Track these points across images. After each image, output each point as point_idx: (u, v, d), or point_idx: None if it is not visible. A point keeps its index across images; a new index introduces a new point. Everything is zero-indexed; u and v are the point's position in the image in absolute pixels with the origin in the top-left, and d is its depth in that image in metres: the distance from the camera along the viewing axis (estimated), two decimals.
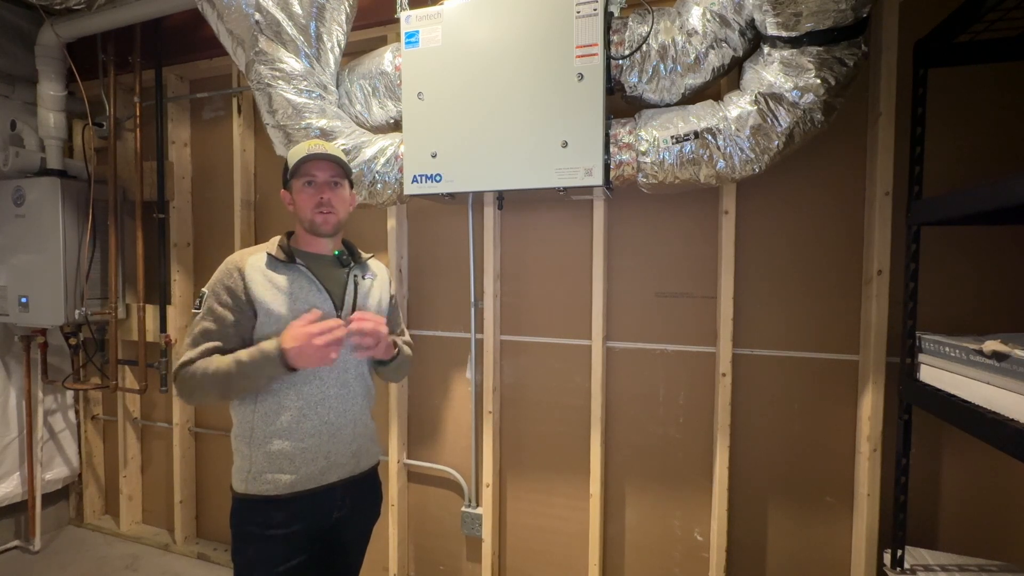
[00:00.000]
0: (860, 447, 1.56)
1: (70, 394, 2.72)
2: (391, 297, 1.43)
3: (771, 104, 1.36)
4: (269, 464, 1.19)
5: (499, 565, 2.01)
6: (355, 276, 1.30)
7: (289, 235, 1.31)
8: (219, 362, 1.14)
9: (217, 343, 1.17)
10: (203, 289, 1.22)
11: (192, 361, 1.16)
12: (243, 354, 1.13)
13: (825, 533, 1.64)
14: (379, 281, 1.37)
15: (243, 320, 1.18)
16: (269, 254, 1.22)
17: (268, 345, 1.13)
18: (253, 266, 1.19)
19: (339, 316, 1.23)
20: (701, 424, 1.76)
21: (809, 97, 1.33)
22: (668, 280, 1.80)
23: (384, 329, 1.22)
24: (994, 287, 1.48)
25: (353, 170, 1.69)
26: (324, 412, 1.22)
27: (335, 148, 1.26)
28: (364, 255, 1.37)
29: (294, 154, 1.24)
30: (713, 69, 1.45)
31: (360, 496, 1.32)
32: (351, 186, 1.32)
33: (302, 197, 1.23)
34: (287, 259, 1.21)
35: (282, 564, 1.18)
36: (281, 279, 1.20)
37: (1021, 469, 1.44)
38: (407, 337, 1.49)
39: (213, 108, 2.47)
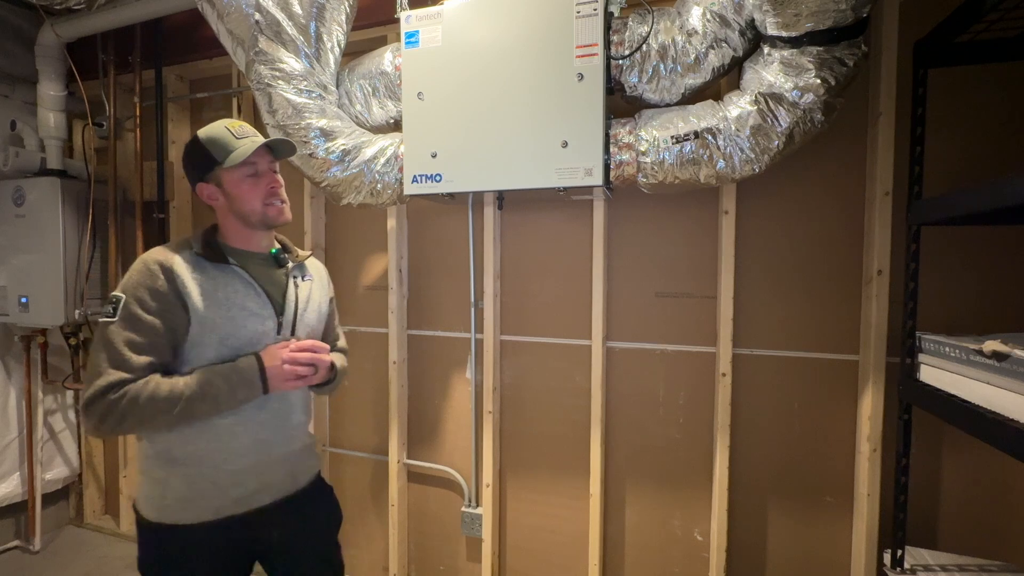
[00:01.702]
0: (860, 447, 1.56)
1: (70, 394, 2.72)
2: (331, 300, 1.34)
3: (771, 104, 1.36)
4: (188, 489, 1.04)
5: (499, 565, 2.01)
6: (295, 278, 1.19)
7: (211, 230, 1.16)
8: (171, 385, 0.97)
9: (149, 359, 0.98)
10: (115, 293, 1.01)
11: (120, 384, 0.95)
12: (210, 375, 0.99)
13: (825, 533, 1.64)
14: (318, 283, 1.27)
15: (176, 327, 1.01)
16: (196, 253, 1.07)
17: (246, 366, 1.02)
18: (181, 265, 1.04)
19: (280, 321, 1.14)
20: (701, 424, 1.76)
21: (809, 97, 1.33)
22: (668, 280, 1.79)
23: (325, 358, 1.13)
24: (994, 287, 1.48)
25: (353, 170, 1.69)
26: (257, 429, 1.09)
27: (253, 130, 1.14)
28: (302, 253, 1.25)
29: (216, 138, 1.08)
30: (713, 69, 1.45)
31: (304, 512, 1.20)
32: None
33: (244, 189, 1.09)
34: (217, 259, 1.08)
35: None
36: (212, 282, 1.05)
37: (1021, 469, 1.44)
38: (343, 342, 1.39)
39: (213, 108, 2.46)
